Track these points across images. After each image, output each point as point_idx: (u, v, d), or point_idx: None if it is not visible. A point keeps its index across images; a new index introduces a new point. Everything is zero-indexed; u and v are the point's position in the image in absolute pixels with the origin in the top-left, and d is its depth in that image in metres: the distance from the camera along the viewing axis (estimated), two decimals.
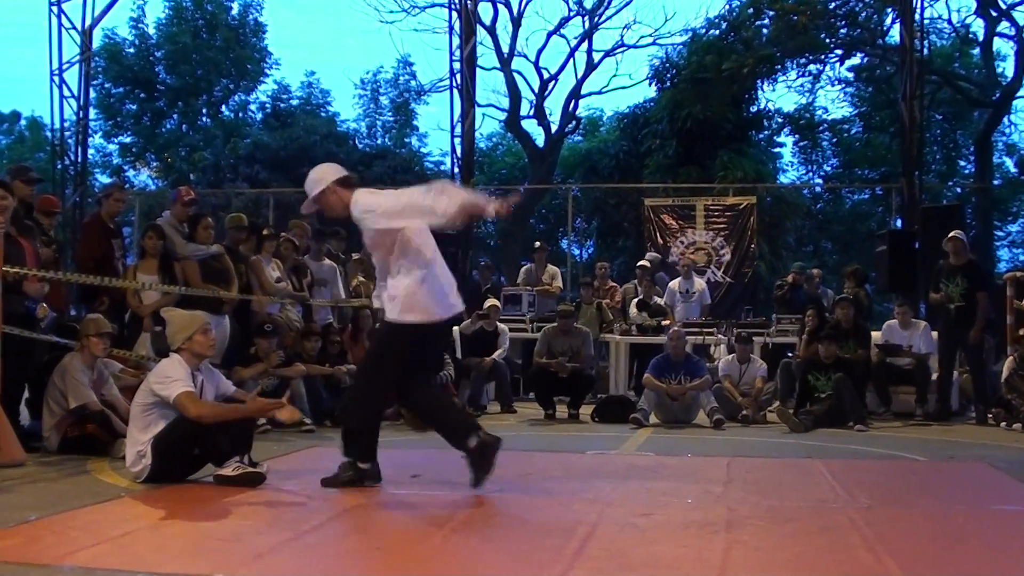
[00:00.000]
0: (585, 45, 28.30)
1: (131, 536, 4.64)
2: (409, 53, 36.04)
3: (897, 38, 19.41)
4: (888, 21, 23.79)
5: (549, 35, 27.87)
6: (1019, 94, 26.39)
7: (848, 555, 4.32)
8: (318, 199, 6.01)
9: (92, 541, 4.46)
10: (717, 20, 24.87)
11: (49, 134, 21.89)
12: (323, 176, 6.01)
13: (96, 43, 21.90)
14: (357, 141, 32.66)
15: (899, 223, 18.03)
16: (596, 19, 27.96)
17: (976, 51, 28.13)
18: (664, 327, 12.99)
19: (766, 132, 28.18)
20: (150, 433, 6.01)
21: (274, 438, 8.21)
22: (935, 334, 11.98)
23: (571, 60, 28.36)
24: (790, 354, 12.63)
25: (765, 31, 24.77)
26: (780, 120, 28.84)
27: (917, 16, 17.24)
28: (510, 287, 15.88)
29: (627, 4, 27.56)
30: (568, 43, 28.26)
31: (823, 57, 26.14)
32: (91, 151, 25.32)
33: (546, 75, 28.46)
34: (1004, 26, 25.84)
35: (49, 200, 9.75)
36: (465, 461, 5.92)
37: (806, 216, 27.91)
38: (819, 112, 29.96)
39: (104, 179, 30.61)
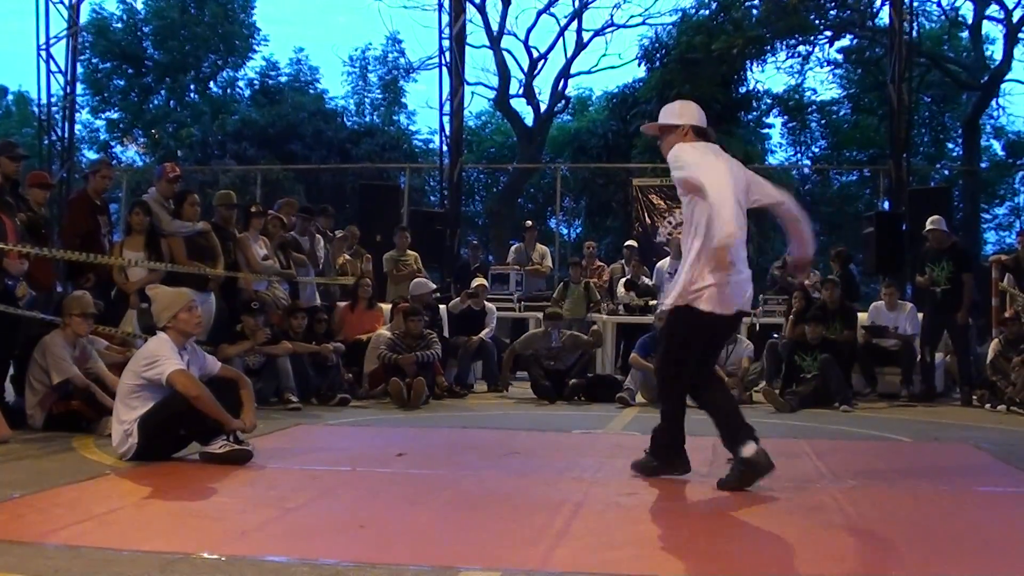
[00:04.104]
0: (574, 24, 28.26)
1: (116, 514, 4.64)
2: (398, 30, 35.81)
3: (886, 20, 19.41)
4: (877, 3, 23.83)
5: (539, 14, 27.80)
6: (1007, 77, 26.45)
7: (832, 535, 4.34)
8: (663, 131, 5.74)
9: (76, 518, 4.45)
10: (707, 0, 24.83)
11: (36, 109, 21.73)
12: (685, 115, 5.71)
13: (83, 18, 21.75)
14: (345, 118, 32.57)
15: (887, 205, 18.09)
16: None
17: (965, 34, 28.15)
18: (651, 307, 12.99)
19: (755, 113, 28.21)
20: (137, 413, 5.99)
21: (260, 416, 8.19)
22: (921, 316, 12.02)
23: (560, 39, 28.32)
24: (776, 335, 12.65)
25: (755, 12, 24.75)
26: (769, 101, 28.89)
27: None
28: (498, 266, 15.89)
29: None
30: (558, 22, 28.21)
31: (812, 38, 26.13)
32: (78, 127, 25.24)
33: (535, 54, 28.43)
34: (993, 9, 25.91)
35: (41, 175, 9.68)
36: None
37: (794, 197, 27.88)
38: (808, 93, 30.02)
39: (91, 155, 30.50)
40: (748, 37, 23.80)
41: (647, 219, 18.50)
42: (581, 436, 8.17)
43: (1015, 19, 25.17)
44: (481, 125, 34.27)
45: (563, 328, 11.83)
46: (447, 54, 18.73)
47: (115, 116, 32.83)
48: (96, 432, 7.24)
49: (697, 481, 5.66)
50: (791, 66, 27.72)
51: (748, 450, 5.33)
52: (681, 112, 5.74)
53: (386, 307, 12.52)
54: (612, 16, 28.37)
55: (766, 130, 29.90)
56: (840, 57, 28.29)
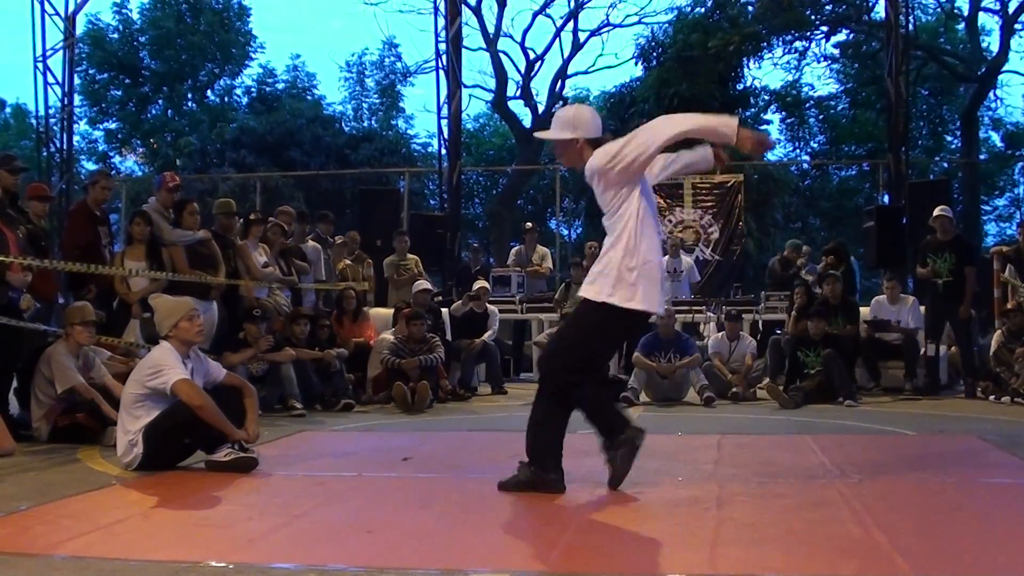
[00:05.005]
0: (571, 25, 28.33)
1: (123, 524, 4.63)
2: (394, 35, 35.98)
3: (882, 14, 19.44)
4: None
5: (535, 15, 27.87)
6: (1004, 68, 26.46)
7: (838, 529, 4.34)
8: (560, 144, 5.41)
9: (83, 529, 4.45)
10: None
11: (34, 121, 21.81)
12: (580, 126, 5.30)
13: (80, 29, 21.80)
14: (343, 124, 32.59)
15: (886, 199, 18.06)
16: None
17: (961, 26, 28.18)
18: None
19: (753, 109, 28.22)
20: (142, 423, 5.99)
21: (265, 423, 8.19)
22: (923, 309, 12.01)
23: (557, 40, 28.37)
24: (779, 331, 12.65)
25: (751, 8, 24.78)
26: (767, 97, 28.92)
27: None
28: (499, 268, 15.89)
29: None
30: (554, 23, 28.30)
31: (808, 34, 26.16)
32: (76, 138, 25.24)
33: (532, 55, 28.46)
34: (989, 0, 25.89)
35: (40, 187, 9.68)
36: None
37: (793, 193, 27.98)
38: (805, 89, 30.04)
39: (90, 166, 30.57)
40: (744, 34, 23.83)
41: None
42: (585, 437, 8.14)
43: (1011, 10, 25.17)
44: (479, 128, 34.31)
45: None
46: (444, 57, 18.74)
47: (113, 126, 32.90)
48: (101, 443, 7.25)
49: (701, 480, 5.66)
50: (788, 62, 27.80)
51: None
52: (576, 123, 5.32)
53: (387, 312, 12.53)
54: (608, 16, 28.53)
55: (764, 126, 29.88)
56: (837, 52, 28.33)
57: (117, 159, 32.84)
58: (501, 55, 27.66)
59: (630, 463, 5.32)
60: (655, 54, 25.38)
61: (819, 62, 28.61)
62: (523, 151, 27.84)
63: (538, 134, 5.59)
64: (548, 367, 5.43)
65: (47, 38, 18.26)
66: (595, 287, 5.18)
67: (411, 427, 8.91)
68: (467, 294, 12.87)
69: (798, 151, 31.18)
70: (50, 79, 18.43)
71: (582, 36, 28.51)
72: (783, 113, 30.27)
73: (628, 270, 5.09)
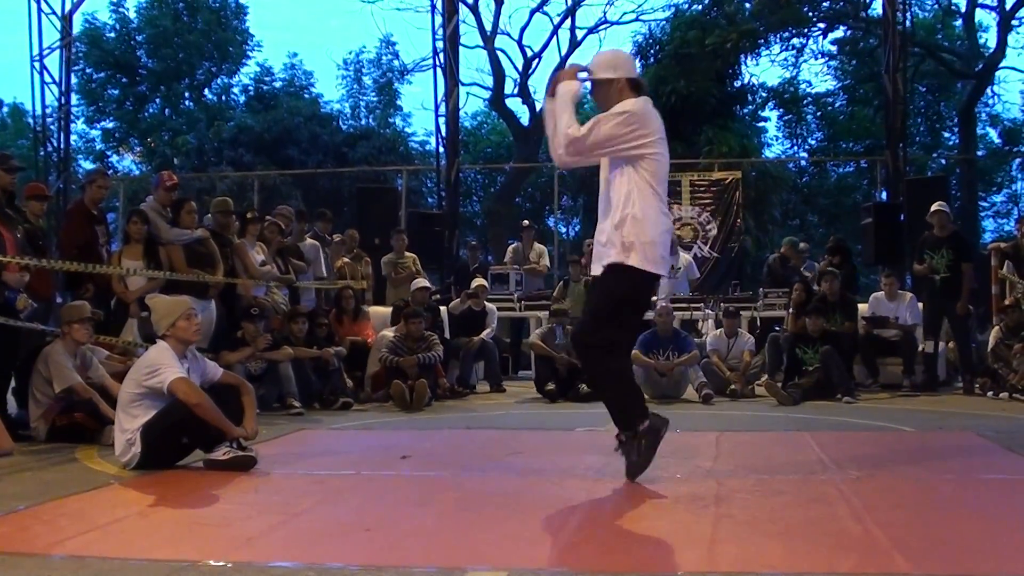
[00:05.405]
0: (568, 22, 28.24)
1: (121, 523, 4.63)
2: (391, 32, 35.90)
3: (880, 10, 19.43)
4: None
5: (532, 12, 27.78)
6: (1001, 64, 26.49)
7: (837, 526, 4.34)
8: (599, 83, 5.46)
9: (82, 529, 4.45)
10: None
11: (31, 120, 21.79)
12: (620, 66, 5.44)
13: (76, 28, 21.80)
14: (341, 122, 32.57)
15: (884, 195, 18.09)
16: None
17: (958, 22, 28.18)
18: (651, 303, 12.98)
19: (750, 107, 28.21)
20: (139, 422, 5.98)
21: (263, 422, 8.18)
22: (921, 305, 12.01)
23: (554, 37, 28.30)
24: (777, 328, 12.64)
25: (748, 5, 24.79)
26: (764, 94, 28.89)
27: None
28: (497, 266, 15.88)
29: None
30: (551, 20, 28.19)
31: (806, 30, 26.18)
32: (74, 137, 25.19)
33: (529, 53, 28.41)
34: None
35: (38, 187, 9.67)
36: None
37: (791, 190, 27.97)
38: (803, 86, 30.04)
39: (87, 165, 30.56)
40: (741, 31, 23.83)
41: None
42: (584, 434, 8.16)
43: (1008, 6, 25.18)
44: (477, 125, 34.27)
45: (567, 326, 11.81)
46: (441, 55, 18.75)
47: (110, 125, 32.88)
48: (99, 442, 7.24)
49: (700, 477, 5.66)
50: (785, 59, 27.80)
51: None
52: (615, 63, 5.44)
53: (385, 310, 12.52)
54: (605, 13, 28.38)
55: (762, 124, 29.92)
56: (834, 49, 28.33)
57: (114, 158, 32.87)
58: (499, 53, 27.61)
59: (651, 456, 5.33)
60: (652, 51, 25.37)
61: (816, 59, 28.64)
62: (521, 149, 27.81)
63: (579, 75, 5.55)
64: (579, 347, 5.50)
65: (44, 37, 18.29)
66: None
67: (409, 425, 8.91)
68: (465, 292, 12.87)
69: (796, 148, 31.22)
70: (47, 78, 18.45)
71: (579, 33, 28.46)
72: (781, 110, 30.27)
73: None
